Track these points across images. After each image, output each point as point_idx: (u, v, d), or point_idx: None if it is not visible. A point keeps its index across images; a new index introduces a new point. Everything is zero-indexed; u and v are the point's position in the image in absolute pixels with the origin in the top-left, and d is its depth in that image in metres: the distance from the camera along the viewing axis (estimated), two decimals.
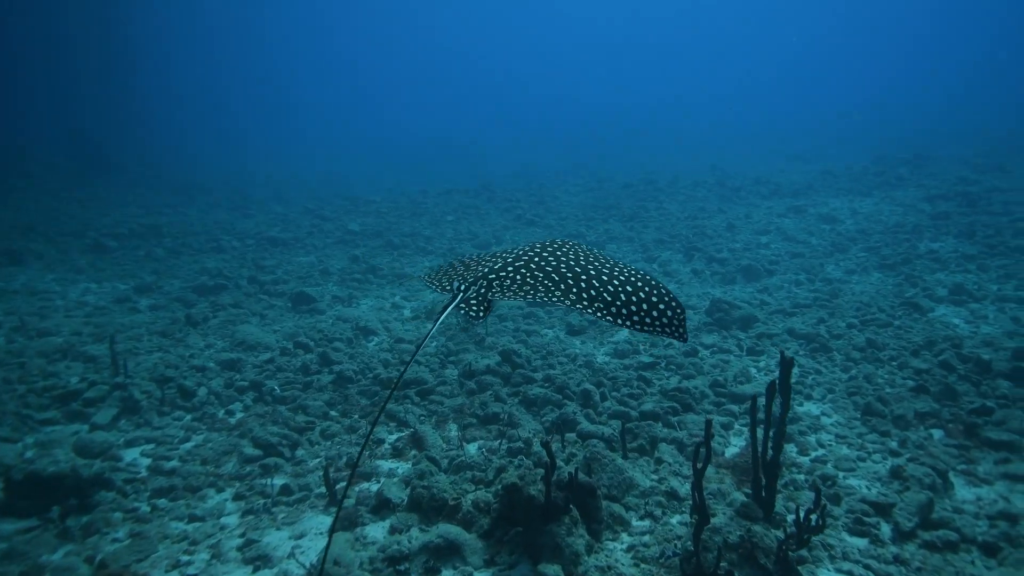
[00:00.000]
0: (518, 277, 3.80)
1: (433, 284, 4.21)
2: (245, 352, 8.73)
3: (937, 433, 5.90)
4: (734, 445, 5.92)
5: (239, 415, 6.95)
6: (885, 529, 4.45)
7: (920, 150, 22.29)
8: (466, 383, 7.35)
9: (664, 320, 3.52)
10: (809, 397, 6.85)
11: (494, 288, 3.75)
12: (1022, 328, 8.40)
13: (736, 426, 6.28)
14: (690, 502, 4.59)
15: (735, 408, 6.55)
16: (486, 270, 3.93)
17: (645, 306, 3.57)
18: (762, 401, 4.46)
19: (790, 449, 5.80)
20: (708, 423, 3.94)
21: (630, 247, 14.75)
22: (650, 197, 20.11)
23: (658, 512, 4.74)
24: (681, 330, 3.50)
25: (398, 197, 23.37)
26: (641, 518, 4.72)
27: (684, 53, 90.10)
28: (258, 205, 22.33)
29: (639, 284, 3.74)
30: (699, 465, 3.92)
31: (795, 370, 7.58)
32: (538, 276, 3.78)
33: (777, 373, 6.25)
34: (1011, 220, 13.29)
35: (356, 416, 6.87)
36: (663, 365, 7.80)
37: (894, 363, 7.48)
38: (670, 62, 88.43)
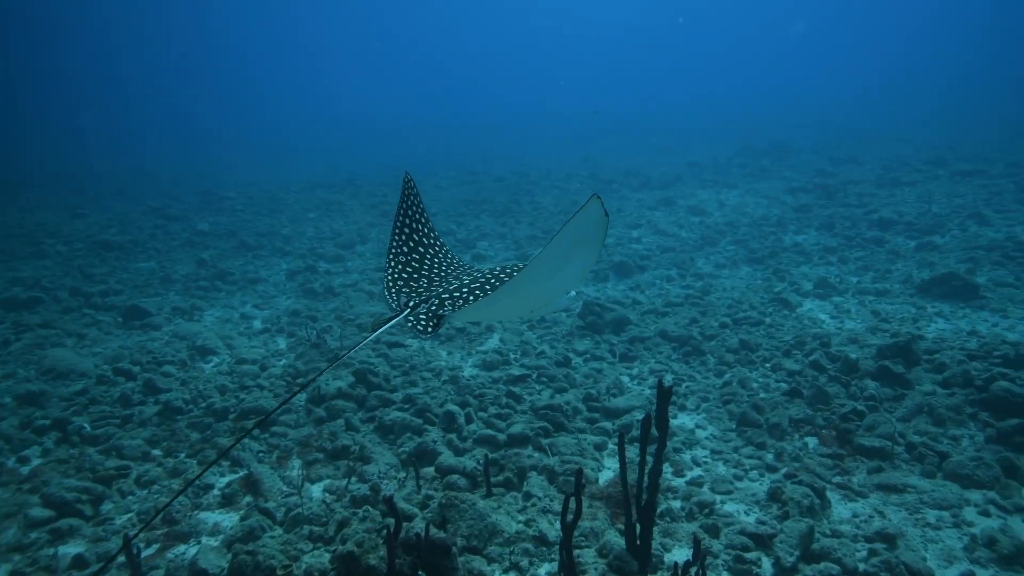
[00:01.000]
0: (471, 297, 3.84)
1: (391, 295, 4.22)
2: (52, 382, 7.52)
3: (812, 442, 5.79)
4: (608, 468, 5.54)
5: (35, 463, 5.85)
6: (767, 566, 4.17)
7: (781, 142, 23.38)
8: (314, 410, 6.58)
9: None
10: (683, 408, 6.62)
11: (446, 306, 3.82)
12: (882, 322, 8.64)
13: (610, 446, 5.91)
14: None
15: (609, 425, 6.19)
16: (441, 290, 4.00)
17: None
18: (636, 432, 4.04)
19: (665, 469, 5.49)
20: (579, 474, 3.48)
21: (502, 244, 14.33)
22: (523, 191, 19.83)
23: (524, 563, 4.24)
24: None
25: (256, 193, 21.86)
26: (505, 571, 4.20)
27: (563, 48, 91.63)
28: (94, 203, 20.14)
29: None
30: (568, 518, 3.44)
31: (668, 377, 7.37)
32: (487, 290, 3.85)
33: (653, 395, 5.94)
34: (865, 212, 13.98)
35: (183, 455, 5.96)
36: (534, 377, 7.36)
37: (767, 365, 7.42)
38: (551, 56, 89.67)
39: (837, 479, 5.19)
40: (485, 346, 8.58)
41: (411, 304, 3.89)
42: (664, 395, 3.76)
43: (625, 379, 7.42)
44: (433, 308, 3.82)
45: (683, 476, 5.40)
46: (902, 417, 5.99)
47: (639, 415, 6.34)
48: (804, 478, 5.02)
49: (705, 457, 5.71)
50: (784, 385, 6.84)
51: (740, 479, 5.32)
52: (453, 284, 4.08)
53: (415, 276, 4.43)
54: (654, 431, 3.85)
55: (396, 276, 4.39)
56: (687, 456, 5.71)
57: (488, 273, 4.11)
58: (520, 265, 4.13)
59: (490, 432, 5.96)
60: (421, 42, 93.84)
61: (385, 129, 46.32)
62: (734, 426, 6.16)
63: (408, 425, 6.13)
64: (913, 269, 10.70)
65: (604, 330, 8.77)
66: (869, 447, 5.44)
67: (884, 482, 5.02)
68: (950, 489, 4.87)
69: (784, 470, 5.33)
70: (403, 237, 4.60)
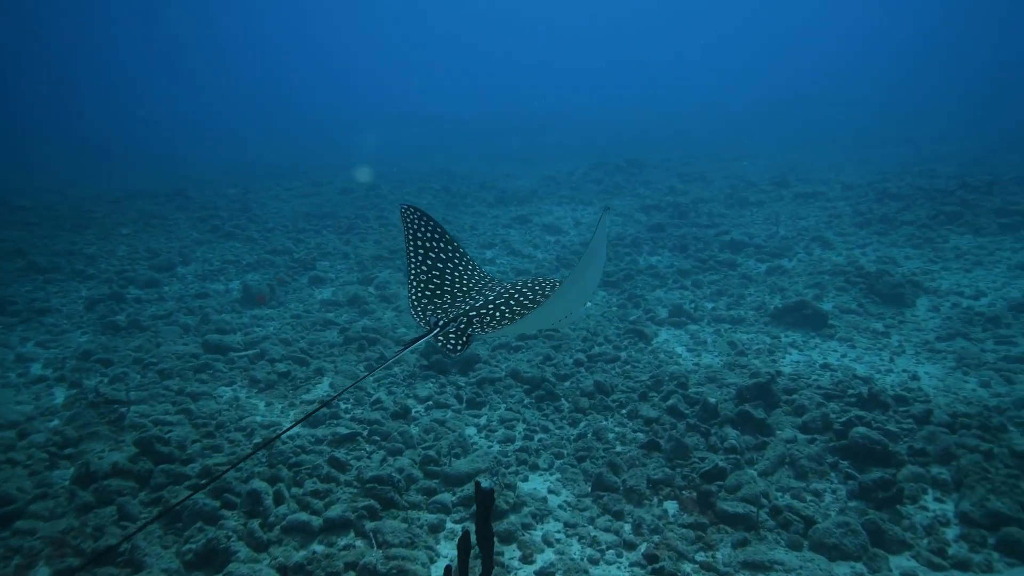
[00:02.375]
0: (497, 314, 3.98)
1: (418, 314, 4.31)
2: None
3: (672, 507, 5.31)
4: (444, 557, 4.75)
5: None
6: None
7: (635, 157, 23.79)
8: (79, 494, 5.31)
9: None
10: (535, 468, 5.96)
11: (474, 325, 3.94)
12: (739, 356, 8.49)
13: (448, 524, 5.14)
14: None
15: (448, 498, 5.40)
16: (467, 307, 4.09)
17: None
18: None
19: (511, 554, 4.78)
20: None
21: (345, 265, 13.24)
22: (371, 204, 18.76)
23: None
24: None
25: (59, 203, 19.30)
26: None
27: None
28: None
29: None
30: None
31: (521, 427, 6.72)
32: (516, 310, 3.97)
33: (502, 451, 5.24)
34: (717, 233, 14.20)
35: None
36: (365, 435, 6.44)
37: (624, 411, 6.96)
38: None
39: (700, 556, 4.70)
40: (312, 394, 7.55)
41: (440, 323, 3.99)
42: (485, 500, 3.02)
43: (471, 431, 6.68)
44: (462, 327, 3.94)
45: (533, 563, 4.71)
46: (764, 471, 5.67)
47: (484, 481, 5.60)
48: (666, 564, 4.48)
49: (558, 533, 5.07)
50: (642, 436, 6.37)
51: (596, 562, 4.71)
52: (479, 300, 4.19)
53: (438, 292, 4.55)
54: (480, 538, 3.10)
55: (419, 295, 4.49)
56: (538, 534, 5.04)
57: (512, 288, 4.29)
58: (540, 278, 4.46)
59: (303, 517, 5.00)
60: (272, 40, 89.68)
61: (233, 131, 43.32)
62: (590, 489, 5.58)
63: (201, 511, 5.04)
64: (765, 295, 10.81)
65: (450, 370, 8.01)
66: (733, 514, 5.01)
67: (750, 559, 4.58)
68: (818, 564, 4.51)
69: (643, 547, 4.79)
70: (419, 259, 4.71)
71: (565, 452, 6.17)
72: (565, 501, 5.46)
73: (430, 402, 7.30)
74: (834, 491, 5.43)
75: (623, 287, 11.55)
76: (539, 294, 4.16)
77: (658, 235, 14.36)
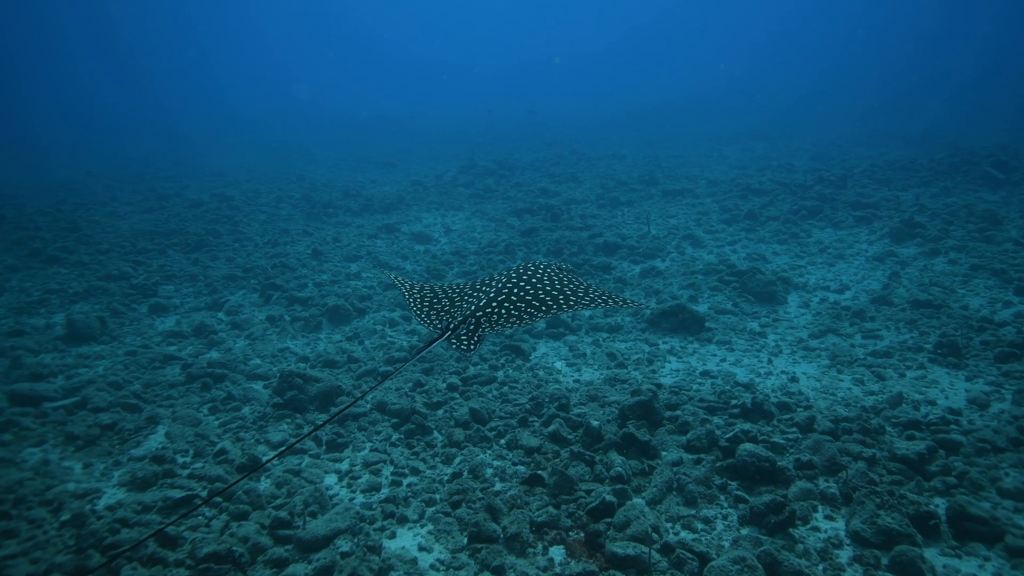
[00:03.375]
0: (503, 311, 4.41)
1: (420, 317, 4.72)
2: None
3: (559, 553, 4.84)
4: None
5: None
6: None
7: (504, 159, 23.51)
8: None
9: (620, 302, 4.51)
10: (404, 520, 5.32)
11: (483, 325, 4.35)
12: (619, 368, 8.22)
13: None
14: None
15: (302, 570, 4.67)
16: (472, 308, 4.46)
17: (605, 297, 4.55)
18: None
19: None
20: None
21: (192, 288, 12.02)
22: (224, 218, 17.35)
23: None
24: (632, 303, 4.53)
25: None
26: None
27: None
28: None
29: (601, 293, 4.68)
30: None
31: (388, 471, 6.07)
32: (520, 307, 4.44)
33: (367, 502, 4.65)
34: (591, 235, 14.06)
35: None
36: (204, 497, 5.58)
37: (502, 441, 6.45)
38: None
39: None
40: (142, 448, 6.55)
41: (451, 326, 4.29)
42: None
43: (331, 480, 5.95)
44: (471, 328, 4.24)
45: None
46: (653, 499, 5.33)
47: (344, 544, 4.93)
48: None
49: None
50: (523, 469, 5.89)
51: None
52: (482, 299, 4.54)
53: (435, 299, 4.89)
54: None
55: (420, 305, 4.84)
56: None
57: (507, 282, 4.71)
58: (530, 265, 4.99)
59: None
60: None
61: (58, 139, 39.49)
62: (466, 542, 5.01)
63: None
64: (641, 299, 10.68)
65: (308, 408, 7.22)
66: (623, 556, 4.60)
67: None
68: None
69: None
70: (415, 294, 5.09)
71: (438, 497, 5.58)
72: (438, 559, 4.86)
73: (283, 447, 6.50)
74: (725, 517, 5.15)
75: None
76: (537, 287, 4.66)
77: (532, 240, 14.05)
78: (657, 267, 12.14)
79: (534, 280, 4.75)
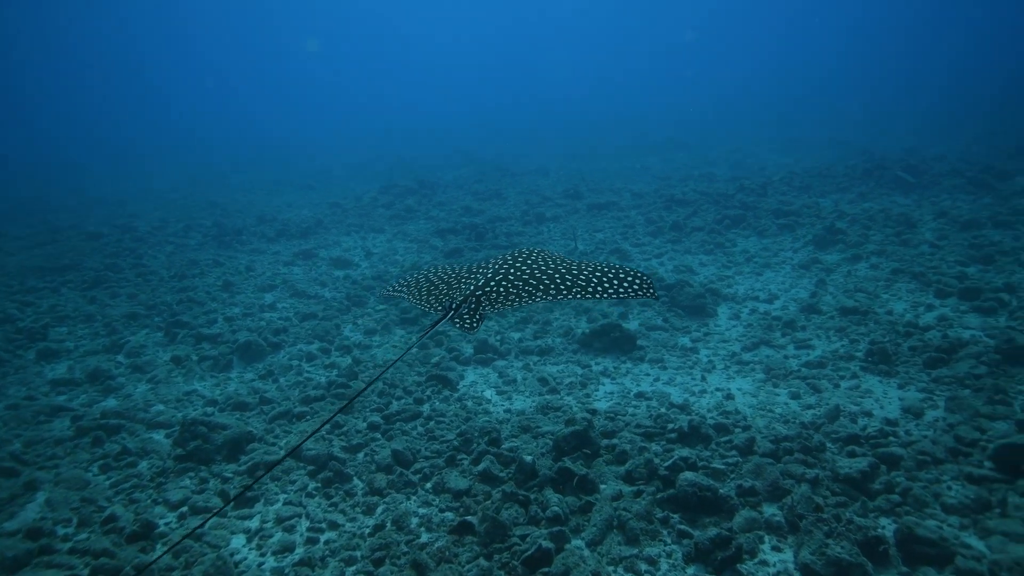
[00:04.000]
0: (501, 290, 4.68)
1: (420, 303, 5.03)
2: None
3: None
4: None
5: None
6: None
7: (425, 179, 23.10)
8: None
9: (636, 286, 4.53)
10: None
11: (483, 304, 4.60)
12: (551, 394, 7.90)
13: None
14: None
15: None
16: (472, 288, 4.75)
17: (616, 280, 4.58)
18: None
19: None
20: None
21: (88, 330, 11.14)
22: (126, 250, 16.33)
23: None
24: (651, 290, 4.51)
25: None
26: None
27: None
28: None
29: (604, 268, 4.77)
30: None
31: (303, 526, 5.55)
32: (518, 285, 4.68)
33: (272, 553, 4.14)
34: None
35: None
36: None
37: (428, 485, 6.02)
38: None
39: None
40: (16, 520, 5.81)
41: (453, 307, 4.58)
42: None
43: (239, 543, 5.40)
44: (472, 307, 4.53)
45: None
46: (593, 540, 4.99)
47: None
48: None
49: None
50: (451, 516, 5.48)
51: None
52: (480, 280, 4.82)
53: (432, 287, 5.18)
54: None
55: (418, 293, 5.14)
56: None
57: (504, 265, 4.98)
58: (525, 250, 5.22)
59: None
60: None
61: None
62: None
63: None
64: (571, 318, 10.43)
65: (215, 458, 6.62)
66: None
67: None
68: None
69: None
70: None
71: (359, 555, 5.10)
72: None
73: (185, 507, 5.90)
74: (669, 555, 4.86)
75: (421, 323, 10.68)
76: (533, 267, 4.90)
77: (456, 260, 13.66)
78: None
79: (529, 261, 5.03)
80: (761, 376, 8.06)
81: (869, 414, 6.75)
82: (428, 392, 8.07)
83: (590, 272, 4.74)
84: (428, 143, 38.94)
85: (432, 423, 7.20)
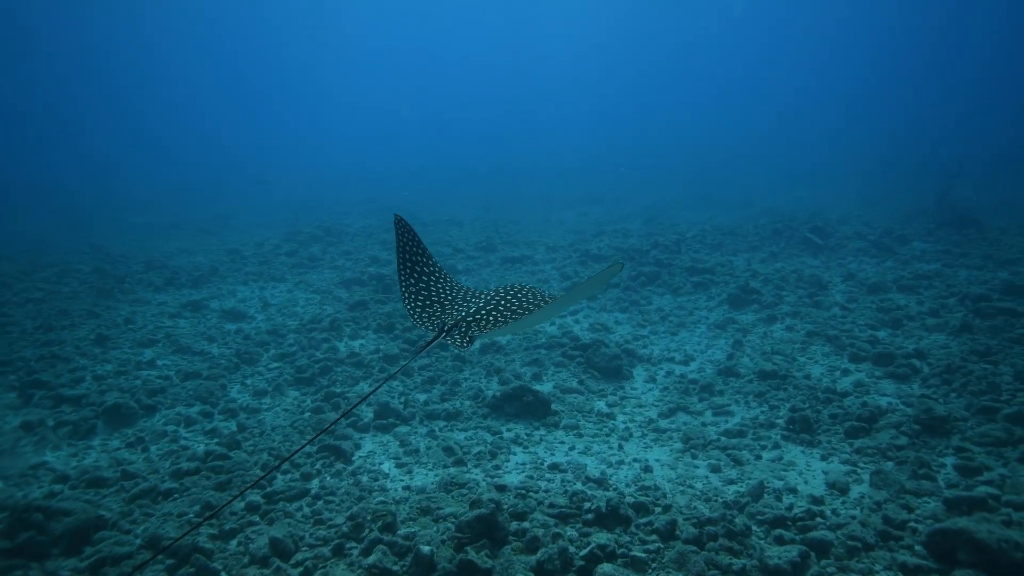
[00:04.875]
0: (490, 318, 5.05)
1: (417, 321, 5.38)
2: None
3: None
4: None
5: None
6: None
7: (331, 223, 22.30)
8: None
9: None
10: None
11: (473, 328, 4.95)
12: (457, 466, 7.26)
13: None
14: None
15: None
16: (464, 313, 5.11)
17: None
18: None
19: None
20: None
21: None
22: None
23: None
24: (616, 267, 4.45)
25: None
26: None
27: None
28: None
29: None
30: None
31: None
32: (506, 315, 5.06)
33: None
34: None
35: None
36: None
37: None
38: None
39: None
40: None
41: (446, 328, 4.91)
42: None
43: None
44: (463, 330, 4.88)
45: None
46: None
47: None
48: None
49: None
50: None
51: None
52: (472, 307, 5.23)
53: (428, 304, 5.55)
54: None
55: (414, 306, 5.54)
56: None
57: (495, 297, 5.40)
58: (525, 288, 5.56)
59: None
60: None
61: None
62: None
63: None
64: (482, 378, 9.87)
65: (51, 552, 5.63)
66: None
67: None
68: None
69: None
70: (407, 271, 5.82)
71: None
72: None
73: None
74: None
75: (319, 383, 9.87)
76: (523, 301, 5.24)
77: (361, 314, 12.92)
78: (498, 342, 11.41)
79: (519, 296, 5.38)
80: (679, 446, 7.67)
81: (794, 490, 6.42)
82: (319, 465, 7.28)
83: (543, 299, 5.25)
84: (342, 190, 38.09)
85: (320, 503, 6.42)
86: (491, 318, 5.08)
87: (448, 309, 5.45)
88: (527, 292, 5.48)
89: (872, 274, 14.47)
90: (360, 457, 7.58)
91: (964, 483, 6.28)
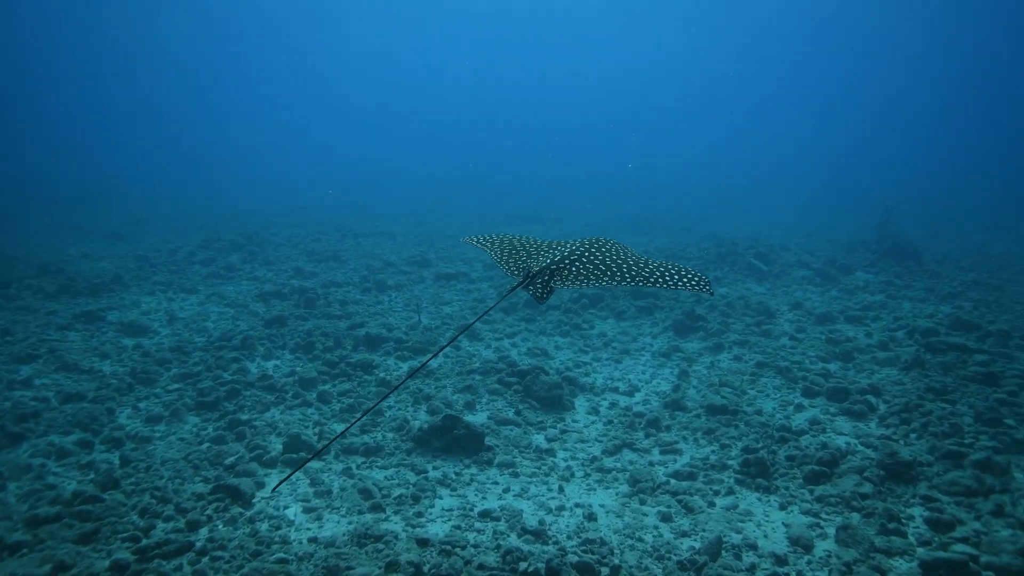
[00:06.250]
0: (574, 269, 4.99)
1: (500, 262, 5.54)
2: None
3: None
4: None
5: None
6: None
7: (254, 231, 21.09)
8: None
9: (694, 281, 4.72)
10: None
11: (555, 278, 4.94)
12: (375, 513, 6.39)
13: None
14: None
15: None
16: (548, 262, 5.09)
17: (677, 275, 4.81)
18: None
19: None
20: None
21: None
22: None
23: None
24: (707, 286, 4.69)
25: None
26: None
27: None
28: None
29: (668, 266, 4.99)
30: None
31: None
32: (589, 268, 4.97)
33: None
34: (351, 326, 12.24)
35: None
36: None
37: None
38: None
39: None
40: None
41: (530, 275, 4.97)
42: None
43: None
44: (545, 279, 4.92)
45: None
46: None
47: None
48: None
49: None
50: None
51: None
52: (557, 255, 5.18)
53: (514, 253, 5.59)
54: None
55: (503, 260, 5.55)
56: None
57: (580, 247, 5.30)
58: (599, 240, 5.49)
59: None
60: None
61: None
62: None
63: None
64: (408, 407, 9.03)
65: None
66: None
67: None
68: None
69: None
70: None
71: None
72: None
73: None
74: None
75: (224, 408, 8.85)
76: (606, 254, 5.18)
77: (278, 331, 11.89)
78: (430, 365, 10.58)
79: (604, 249, 5.26)
80: (626, 488, 6.98)
81: (754, 546, 5.78)
82: (210, 510, 6.29)
83: (654, 267, 4.98)
84: (275, 197, 36.66)
85: (206, 560, 5.46)
86: (573, 269, 5.00)
87: (533, 256, 5.44)
88: (611, 247, 5.39)
89: (819, 303, 14.23)
90: (262, 499, 6.62)
91: (937, 540, 5.77)
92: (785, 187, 45.14)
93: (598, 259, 5.10)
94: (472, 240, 6.13)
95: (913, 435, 7.96)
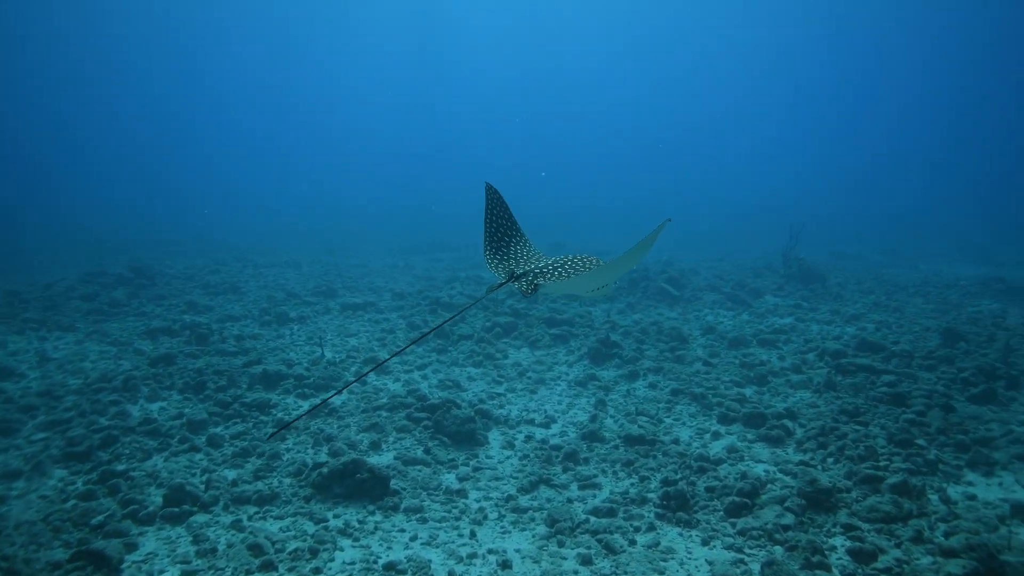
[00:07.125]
0: (556, 273, 5.32)
1: (493, 268, 5.90)
2: None
3: None
4: None
5: None
6: None
7: (146, 263, 19.85)
8: None
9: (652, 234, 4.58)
10: None
11: (539, 278, 5.29)
12: (264, 572, 5.74)
13: None
14: None
15: None
16: (532, 267, 5.52)
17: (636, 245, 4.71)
18: None
19: None
20: None
21: None
22: None
23: None
24: (663, 223, 4.48)
25: None
26: None
27: None
28: None
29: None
30: None
31: None
32: (569, 272, 5.31)
33: None
34: (246, 362, 11.45)
35: None
36: None
37: None
38: None
39: None
40: None
41: (516, 275, 5.40)
42: None
43: None
44: (530, 279, 5.29)
45: None
46: None
47: None
48: None
49: None
50: None
51: None
52: (541, 263, 5.60)
53: (505, 258, 6.00)
54: None
55: (492, 258, 6.04)
56: None
57: (564, 259, 5.58)
58: (588, 257, 5.60)
59: None
60: None
61: None
62: None
63: None
64: (308, 449, 8.40)
65: None
66: None
67: None
68: None
69: None
70: (491, 230, 6.30)
71: None
72: None
73: None
74: None
75: (96, 458, 7.98)
76: (583, 267, 5.38)
77: (165, 371, 10.99)
78: (332, 403, 9.94)
79: (582, 262, 5.43)
80: (543, 530, 6.59)
81: None
82: None
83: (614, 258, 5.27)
84: (175, 226, 34.93)
85: None
86: (556, 273, 5.34)
87: (522, 263, 5.84)
88: (588, 260, 5.64)
89: (731, 327, 14.33)
90: (132, 564, 5.88)
91: (861, 571, 5.61)
92: (705, 212, 46.50)
93: (579, 267, 5.45)
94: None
95: (831, 459, 7.90)
